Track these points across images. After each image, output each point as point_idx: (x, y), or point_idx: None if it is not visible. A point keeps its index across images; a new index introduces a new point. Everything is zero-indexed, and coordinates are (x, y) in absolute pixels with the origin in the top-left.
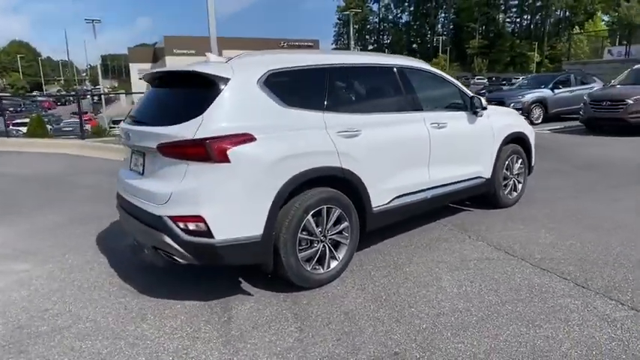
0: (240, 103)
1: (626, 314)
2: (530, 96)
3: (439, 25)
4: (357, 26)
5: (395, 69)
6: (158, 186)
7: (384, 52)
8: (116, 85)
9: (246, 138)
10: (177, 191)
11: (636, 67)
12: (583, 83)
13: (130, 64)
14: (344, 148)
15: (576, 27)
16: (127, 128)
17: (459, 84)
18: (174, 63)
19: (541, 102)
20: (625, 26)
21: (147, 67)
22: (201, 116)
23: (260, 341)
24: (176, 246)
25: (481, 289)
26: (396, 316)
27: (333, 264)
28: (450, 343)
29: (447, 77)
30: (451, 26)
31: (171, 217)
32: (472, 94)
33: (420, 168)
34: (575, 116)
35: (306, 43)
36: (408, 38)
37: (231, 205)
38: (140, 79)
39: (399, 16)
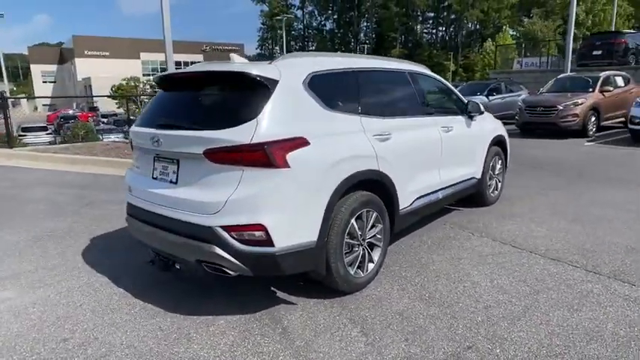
0: (290, 105)
1: None
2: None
3: (362, 34)
4: (280, 32)
5: (407, 73)
6: (205, 195)
7: None
8: (14, 89)
9: (302, 142)
10: (233, 199)
11: (561, 76)
12: (511, 91)
13: (32, 65)
14: (380, 151)
15: (489, 40)
16: (153, 133)
17: (454, 89)
18: (85, 65)
19: None
20: (530, 40)
21: (52, 68)
22: (255, 119)
23: (331, 349)
24: (229, 257)
25: (511, 281)
26: (450, 312)
27: (370, 266)
28: (511, 332)
29: (445, 82)
30: (373, 35)
31: (225, 227)
32: (467, 99)
33: (434, 170)
34: (508, 121)
35: (230, 47)
36: (332, 46)
37: (290, 212)
38: (151, 80)
39: (323, 23)
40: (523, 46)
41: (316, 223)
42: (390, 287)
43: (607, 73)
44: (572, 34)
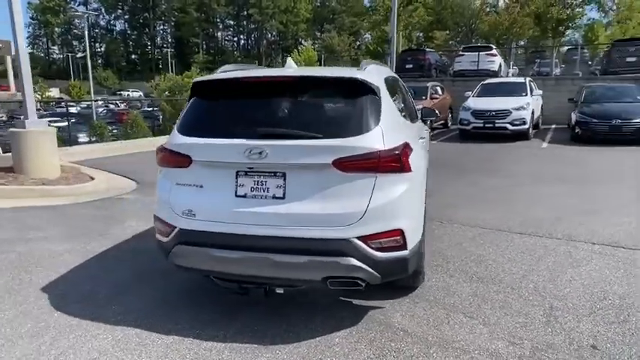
0: (391, 111)
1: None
2: None
3: (159, 38)
4: (59, 29)
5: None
6: (335, 206)
7: (99, 60)
8: None
9: (410, 146)
10: (372, 207)
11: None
12: None
13: None
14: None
15: (295, 50)
16: (253, 144)
17: None
18: None
19: None
20: (329, 51)
21: None
22: (379, 126)
23: (458, 333)
24: (366, 267)
25: (555, 267)
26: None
27: None
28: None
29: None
30: (172, 40)
31: (362, 237)
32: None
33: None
34: None
35: None
36: (126, 48)
37: (415, 214)
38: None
39: (112, 23)
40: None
41: (422, 223)
42: (456, 281)
43: (432, 83)
44: (394, 50)
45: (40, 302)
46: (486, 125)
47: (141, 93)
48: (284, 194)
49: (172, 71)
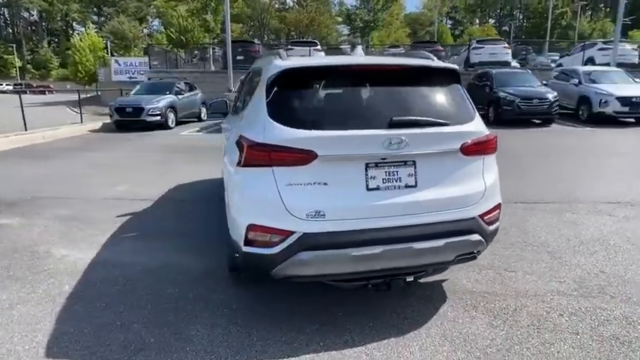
0: None
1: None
2: (164, 102)
3: None
4: None
5: None
6: (462, 189)
7: None
8: None
9: None
10: (488, 186)
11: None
12: (191, 89)
13: None
14: None
15: (77, 35)
16: (391, 134)
17: None
18: None
19: (173, 107)
20: (122, 39)
21: None
22: (474, 111)
23: (531, 284)
24: (484, 241)
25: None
26: None
27: None
28: None
29: None
30: None
31: (482, 214)
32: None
33: None
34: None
35: None
36: None
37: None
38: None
39: None
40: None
41: None
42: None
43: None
44: (230, 43)
45: None
46: None
47: None
48: (416, 182)
49: None
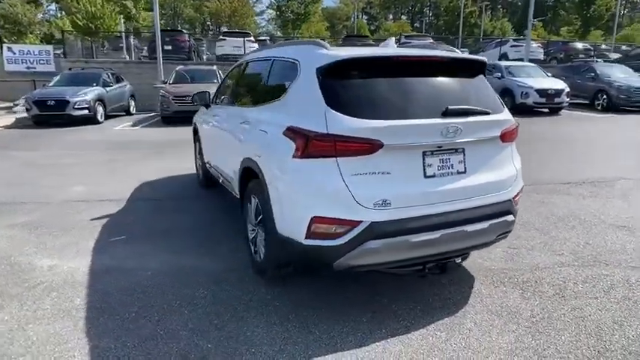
0: None
1: None
2: (92, 94)
3: None
4: None
5: None
6: (501, 173)
7: None
8: None
9: None
10: (518, 170)
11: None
12: (119, 81)
13: None
14: None
15: None
16: (447, 123)
17: None
18: None
19: (101, 99)
20: (14, 24)
21: None
22: (501, 101)
23: (539, 258)
24: (515, 220)
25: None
26: None
27: None
28: None
29: None
30: None
31: (514, 197)
32: None
33: None
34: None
35: None
36: None
37: None
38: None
39: None
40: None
41: None
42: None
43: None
44: (159, 32)
45: None
46: None
47: None
48: (465, 168)
49: None
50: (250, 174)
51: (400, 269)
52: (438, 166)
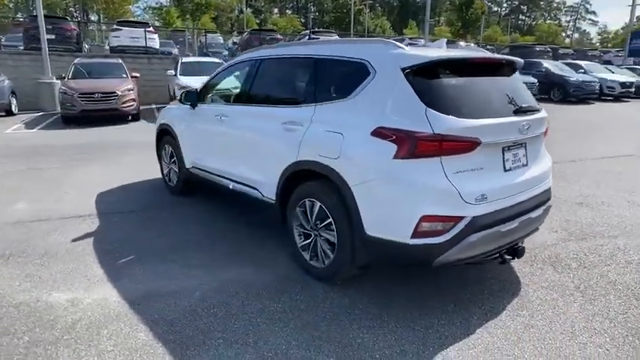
0: None
1: None
2: None
3: None
4: None
5: None
6: (546, 164)
7: None
8: None
9: None
10: (550, 160)
11: (77, 60)
12: None
13: None
14: None
15: None
16: (522, 120)
17: None
18: None
19: None
20: None
21: None
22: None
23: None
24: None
25: None
26: None
27: None
28: None
29: None
30: None
31: (550, 185)
32: None
33: None
34: None
35: None
36: None
37: None
38: None
39: None
40: None
41: None
42: None
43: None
44: (42, 19)
45: None
46: None
47: None
48: (527, 161)
49: None
50: (304, 176)
51: (484, 259)
52: (512, 160)
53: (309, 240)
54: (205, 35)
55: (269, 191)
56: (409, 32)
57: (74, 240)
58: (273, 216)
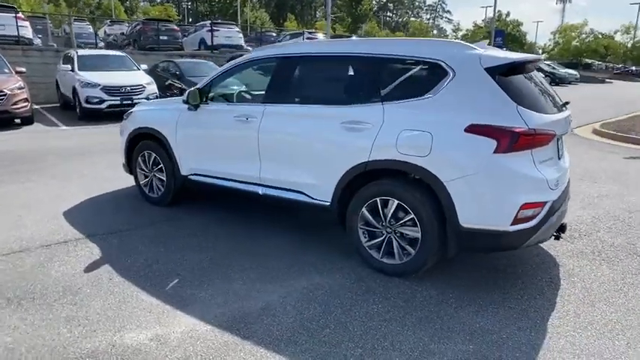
0: None
1: None
2: None
3: None
4: None
5: None
6: (568, 158)
7: None
8: None
9: None
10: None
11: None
12: None
13: None
14: None
15: None
16: (567, 115)
17: None
18: None
19: None
20: None
21: None
22: None
23: None
24: None
25: None
26: None
27: None
28: None
29: None
30: None
31: None
32: None
33: None
34: None
35: None
36: None
37: None
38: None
39: None
40: None
41: None
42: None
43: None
44: None
45: None
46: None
47: None
48: (560, 155)
49: None
50: (375, 176)
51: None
52: (560, 150)
53: (380, 238)
54: (70, 24)
55: (322, 193)
56: (289, 26)
57: (87, 270)
58: (302, 219)
